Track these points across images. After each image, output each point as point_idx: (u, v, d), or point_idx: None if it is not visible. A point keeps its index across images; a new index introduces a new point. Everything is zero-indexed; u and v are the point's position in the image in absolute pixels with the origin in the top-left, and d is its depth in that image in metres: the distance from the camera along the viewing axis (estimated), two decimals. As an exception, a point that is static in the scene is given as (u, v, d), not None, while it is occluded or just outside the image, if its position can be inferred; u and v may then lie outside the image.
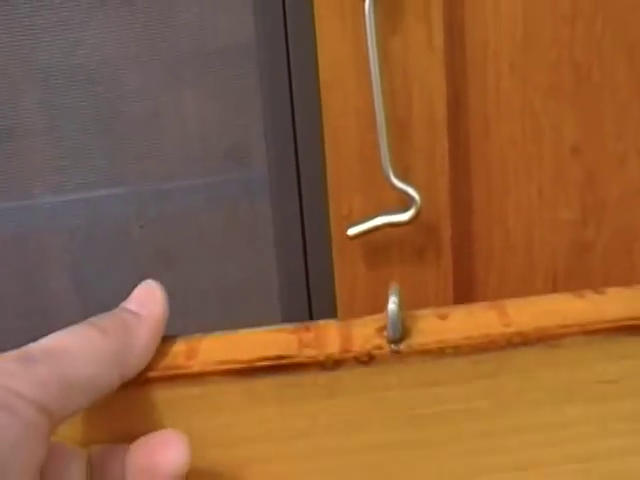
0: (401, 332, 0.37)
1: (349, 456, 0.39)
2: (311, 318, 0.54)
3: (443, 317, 0.39)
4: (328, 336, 0.37)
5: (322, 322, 0.39)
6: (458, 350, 0.37)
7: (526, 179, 0.50)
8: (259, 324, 0.38)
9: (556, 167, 0.50)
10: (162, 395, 0.36)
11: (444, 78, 0.46)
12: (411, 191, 0.45)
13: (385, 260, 0.47)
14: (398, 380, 0.37)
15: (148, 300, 0.35)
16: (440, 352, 0.37)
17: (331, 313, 0.51)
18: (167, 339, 0.36)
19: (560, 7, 0.46)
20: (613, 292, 0.39)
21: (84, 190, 0.52)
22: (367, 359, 0.36)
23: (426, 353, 0.37)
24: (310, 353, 0.36)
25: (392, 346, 0.37)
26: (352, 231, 0.45)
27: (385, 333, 0.37)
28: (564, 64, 0.48)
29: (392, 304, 0.37)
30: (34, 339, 0.31)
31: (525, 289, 0.51)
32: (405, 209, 0.46)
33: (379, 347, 0.37)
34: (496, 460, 0.38)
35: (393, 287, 0.37)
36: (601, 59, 0.48)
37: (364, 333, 0.37)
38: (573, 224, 0.51)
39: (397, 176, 0.45)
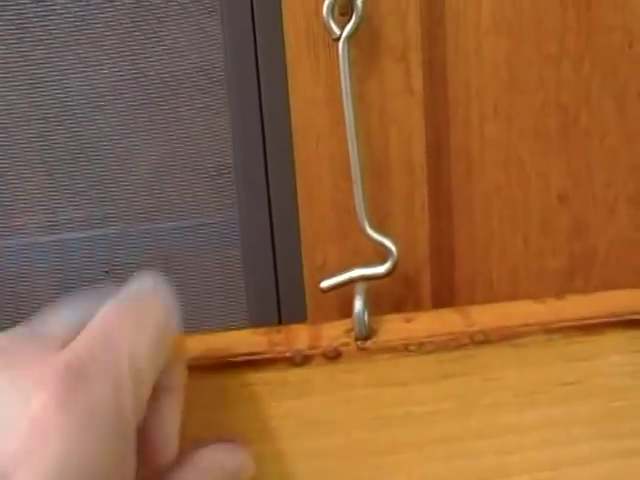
0: (367, 330, 0.39)
1: (317, 459, 0.40)
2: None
3: (409, 320, 0.41)
4: (297, 336, 0.39)
5: (293, 325, 0.41)
6: (422, 348, 0.39)
7: (511, 228, 0.48)
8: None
9: (543, 215, 0.48)
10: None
11: (423, 121, 0.44)
12: (388, 243, 0.43)
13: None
14: (365, 378, 0.39)
15: None
16: (405, 349, 0.39)
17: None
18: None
19: (546, 47, 0.44)
20: (572, 298, 0.42)
21: (49, 232, 0.49)
22: (334, 355, 0.38)
23: (392, 350, 0.39)
24: (279, 349, 0.38)
25: (359, 343, 0.39)
26: (325, 284, 0.43)
27: (352, 333, 0.39)
28: (551, 107, 0.46)
29: (358, 302, 0.40)
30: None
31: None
32: (382, 261, 0.43)
33: (346, 344, 0.39)
34: (460, 466, 0.40)
35: (359, 287, 0.40)
36: (589, 102, 0.46)
37: (332, 333, 0.40)
38: (560, 274, 0.48)
39: (373, 226, 0.43)
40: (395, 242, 0.42)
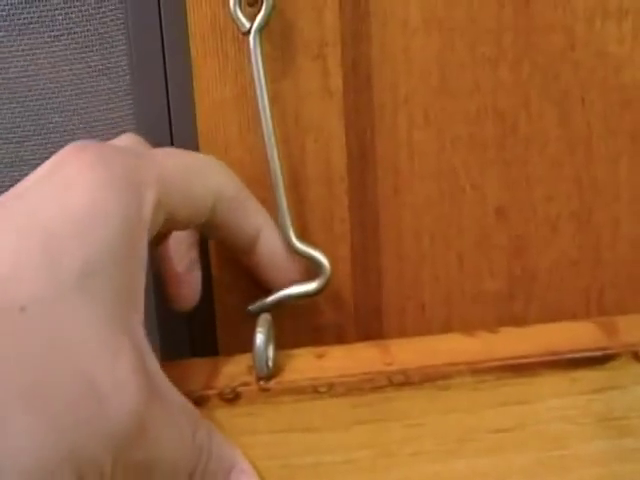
0: (270, 369, 0.35)
1: None
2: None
3: (320, 355, 0.37)
4: (192, 373, 0.35)
5: (188, 360, 0.37)
6: (333, 389, 0.35)
7: (444, 246, 0.44)
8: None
9: (479, 232, 0.44)
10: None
11: (344, 127, 0.40)
12: (318, 255, 0.39)
13: (278, 336, 0.39)
14: (269, 423, 0.35)
15: None
16: (314, 391, 0.35)
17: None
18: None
19: (481, 47, 0.40)
20: (507, 331, 0.38)
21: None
22: (233, 397, 0.35)
23: (298, 392, 0.35)
24: None
25: (261, 383, 0.35)
26: (253, 307, 0.39)
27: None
28: (487, 113, 0.42)
29: (259, 337, 0.35)
30: None
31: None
32: (311, 278, 0.40)
33: (246, 384, 0.35)
34: None
35: (262, 319, 0.36)
36: (528, 109, 0.42)
37: (233, 370, 0.36)
38: (498, 298, 0.44)
39: (299, 238, 0.39)
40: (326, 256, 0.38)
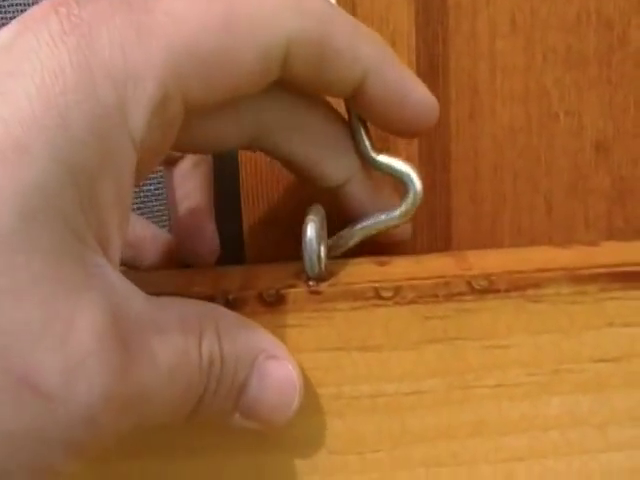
0: (322, 268, 0.30)
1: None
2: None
3: (383, 263, 0.32)
4: (225, 275, 0.31)
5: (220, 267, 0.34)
6: (400, 294, 0.29)
7: (530, 187, 0.39)
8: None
9: (573, 171, 0.38)
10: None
11: (413, 25, 0.37)
12: (405, 168, 0.33)
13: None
14: (317, 337, 0.30)
15: None
16: (375, 296, 0.30)
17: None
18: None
19: None
20: (609, 244, 0.34)
21: None
22: (275, 300, 0.30)
23: (357, 297, 0.30)
24: (198, 290, 0.30)
25: (310, 284, 0.30)
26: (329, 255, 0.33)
27: (303, 276, 0.30)
28: (589, 21, 0.37)
29: (310, 227, 0.30)
30: None
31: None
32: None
33: (293, 285, 0.30)
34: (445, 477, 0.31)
35: (314, 207, 0.31)
36: None
37: (278, 274, 0.31)
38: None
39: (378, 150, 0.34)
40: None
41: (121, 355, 0.24)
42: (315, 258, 0.30)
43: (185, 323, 0.27)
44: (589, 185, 0.39)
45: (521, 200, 0.39)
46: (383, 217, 0.33)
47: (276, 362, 0.28)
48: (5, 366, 0.22)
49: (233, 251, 0.38)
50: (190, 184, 0.37)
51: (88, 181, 0.24)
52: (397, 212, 0.33)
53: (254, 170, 0.37)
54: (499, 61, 0.38)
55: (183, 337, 0.26)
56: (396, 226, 0.33)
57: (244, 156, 0.37)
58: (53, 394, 0.23)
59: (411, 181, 0.32)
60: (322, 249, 0.31)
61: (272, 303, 0.30)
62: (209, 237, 0.38)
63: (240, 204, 0.37)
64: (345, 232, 0.33)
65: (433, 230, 0.39)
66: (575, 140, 0.38)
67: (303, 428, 0.31)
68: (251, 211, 0.37)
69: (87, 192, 0.24)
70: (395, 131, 0.32)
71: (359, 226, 0.33)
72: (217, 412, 0.28)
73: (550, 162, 0.38)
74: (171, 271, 0.37)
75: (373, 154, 0.33)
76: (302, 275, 0.31)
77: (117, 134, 0.25)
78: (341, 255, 0.33)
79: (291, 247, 0.34)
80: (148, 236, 0.40)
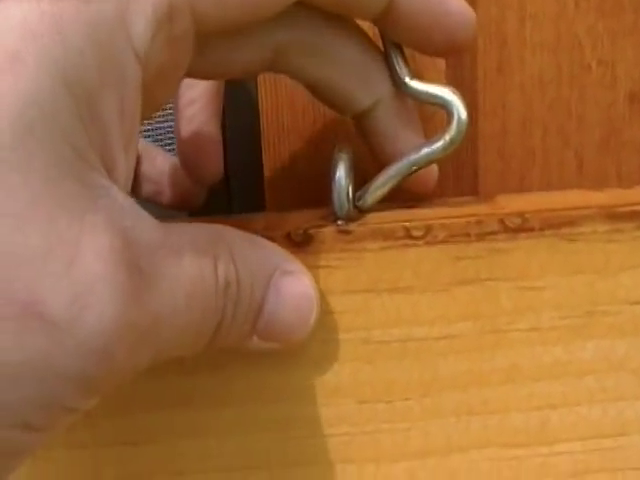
0: (351, 208, 0.30)
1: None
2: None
3: (412, 206, 0.32)
4: (250, 219, 0.31)
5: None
6: (431, 234, 0.29)
7: (560, 141, 0.38)
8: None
9: (606, 124, 0.37)
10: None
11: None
12: (445, 93, 0.31)
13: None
14: (346, 279, 0.30)
15: None
16: (406, 235, 0.29)
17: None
18: None
19: None
20: None
21: None
22: (303, 240, 0.29)
23: (387, 236, 0.29)
24: None
25: (339, 224, 0.30)
26: (361, 203, 0.31)
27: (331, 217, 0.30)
28: None
29: (340, 164, 0.29)
30: None
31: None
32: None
33: (321, 225, 0.30)
34: (475, 425, 0.31)
35: (342, 145, 0.30)
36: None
37: (306, 216, 0.31)
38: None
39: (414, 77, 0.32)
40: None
41: (133, 280, 0.22)
42: (344, 196, 0.30)
43: (198, 247, 0.25)
44: (622, 139, 0.38)
45: (551, 155, 0.38)
46: (425, 150, 0.30)
47: (292, 278, 0.27)
48: (7, 293, 0.21)
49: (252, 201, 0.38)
50: (197, 105, 0.36)
51: (87, 94, 0.22)
52: (441, 143, 0.30)
53: (275, 118, 0.36)
54: (528, 9, 0.37)
55: (197, 262, 0.25)
56: (439, 159, 0.31)
57: (265, 104, 0.36)
58: (60, 323, 0.21)
59: (454, 107, 0.30)
60: (351, 188, 0.30)
61: (300, 243, 0.29)
62: (213, 158, 0.36)
63: (260, 153, 0.37)
64: (380, 176, 0.31)
65: (460, 187, 0.38)
66: (608, 91, 0.38)
67: (331, 376, 0.30)
68: (272, 160, 0.36)
69: (87, 106, 0.22)
70: (432, 49, 0.30)
71: (396, 166, 0.31)
72: (235, 338, 0.27)
73: (581, 115, 0.38)
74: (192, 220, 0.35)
75: (409, 80, 0.31)
76: (330, 217, 0.30)
77: (118, 44, 0.23)
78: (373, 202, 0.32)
79: (313, 199, 0.33)
80: (169, 169, 0.39)
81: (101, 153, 0.23)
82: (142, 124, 0.26)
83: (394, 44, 0.31)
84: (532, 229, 0.30)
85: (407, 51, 0.31)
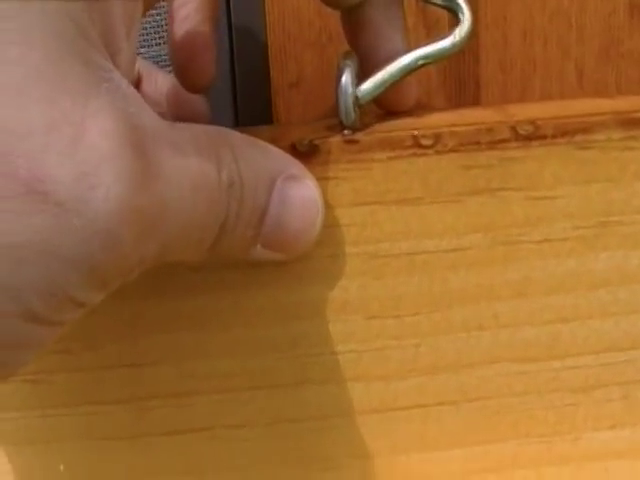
0: (357, 114, 0.29)
1: None
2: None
3: (420, 115, 0.31)
4: (256, 131, 0.28)
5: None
6: (441, 142, 0.29)
7: (560, 52, 0.37)
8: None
9: (606, 35, 0.37)
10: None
11: None
12: None
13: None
14: (353, 190, 0.29)
15: None
16: (415, 144, 0.29)
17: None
18: None
19: None
20: None
21: None
22: (308, 149, 0.28)
23: (394, 145, 0.29)
24: None
25: (345, 133, 0.29)
26: (365, 86, 0.30)
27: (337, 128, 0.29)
28: None
29: (346, 70, 0.28)
30: None
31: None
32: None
33: (326, 136, 0.29)
34: (486, 341, 0.31)
35: (347, 54, 0.29)
36: None
37: (307, 128, 0.30)
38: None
39: None
40: None
41: (140, 164, 0.22)
42: (351, 104, 0.29)
43: (200, 145, 0.25)
44: (622, 49, 0.38)
45: (551, 66, 0.38)
46: (434, 45, 0.29)
47: (296, 182, 0.27)
48: (8, 171, 0.20)
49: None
50: (192, 5, 0.35)
51: None
52: (449, 39, 0.29)
53: (282, 30, 0.36)
54: None
55: (200, 158, 0.24)
56: (444, 58, 0.30)
57: (271, 15, 0.36)
58: (65, 202, 0.20)
59: (461, 7, 0.29)
60: (357, 95, 0.29)
61: (305, 154, 0.29)
62: (206, 58, 0.35)
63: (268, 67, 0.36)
64: (382, 70, 0.30)
65: (462, 99, 0.38)
66: (608, 2, 0.37)
67: (338, 292, 0.30)
68: (279, 72, 0.36)
69: None
70: None
71: (400, 61, 0.29)
72: (239, 243, 0.26)
73: (581, 26, 0.38)
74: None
75: None
76: (337, 127, 0.30)
77: None
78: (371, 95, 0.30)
79: (320, 112, 0.33)
80: (169, 89, 0.39)
81: (103, 36, 0.22)
82: (144, 15, 0.24)
83: None
84: (544, 137, 0.29)
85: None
